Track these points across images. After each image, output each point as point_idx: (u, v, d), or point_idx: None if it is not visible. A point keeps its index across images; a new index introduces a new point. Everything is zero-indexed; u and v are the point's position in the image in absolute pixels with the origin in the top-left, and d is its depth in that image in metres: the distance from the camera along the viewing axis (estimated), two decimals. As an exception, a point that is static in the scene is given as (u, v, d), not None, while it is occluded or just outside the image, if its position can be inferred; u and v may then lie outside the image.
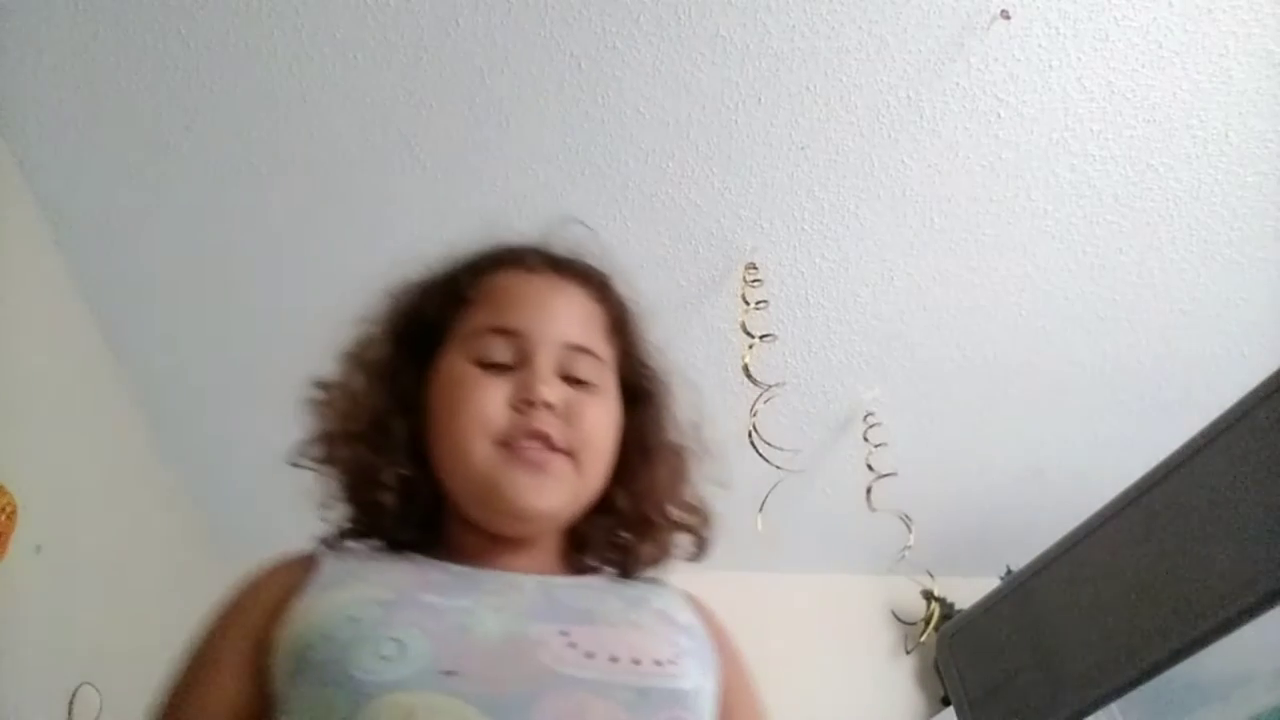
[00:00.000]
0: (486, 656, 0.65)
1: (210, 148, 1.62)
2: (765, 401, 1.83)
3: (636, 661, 0.68)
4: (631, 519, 0.84)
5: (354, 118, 1.60)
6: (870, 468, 2.08)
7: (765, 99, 1.64)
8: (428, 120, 1.62)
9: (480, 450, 0.76)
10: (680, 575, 0.86)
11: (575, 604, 0.74)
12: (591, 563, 0.86)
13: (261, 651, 0.69)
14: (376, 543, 0.81)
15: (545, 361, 0.79)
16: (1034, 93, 1.66)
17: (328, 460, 0.82)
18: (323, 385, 0.85)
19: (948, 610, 2.47)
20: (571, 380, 0.80)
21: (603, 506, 0.83)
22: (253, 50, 1.51)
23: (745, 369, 1.83)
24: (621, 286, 0.90)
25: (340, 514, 0.82)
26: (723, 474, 0.90)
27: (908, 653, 2.59)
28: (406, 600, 0.69)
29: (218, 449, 2.14)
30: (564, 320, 0.82)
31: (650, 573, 0.86)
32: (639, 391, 0.88)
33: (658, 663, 0.69)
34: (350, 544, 0.81)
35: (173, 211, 1.71)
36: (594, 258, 0.91)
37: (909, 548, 2.10)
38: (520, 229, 0.91)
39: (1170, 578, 0.92)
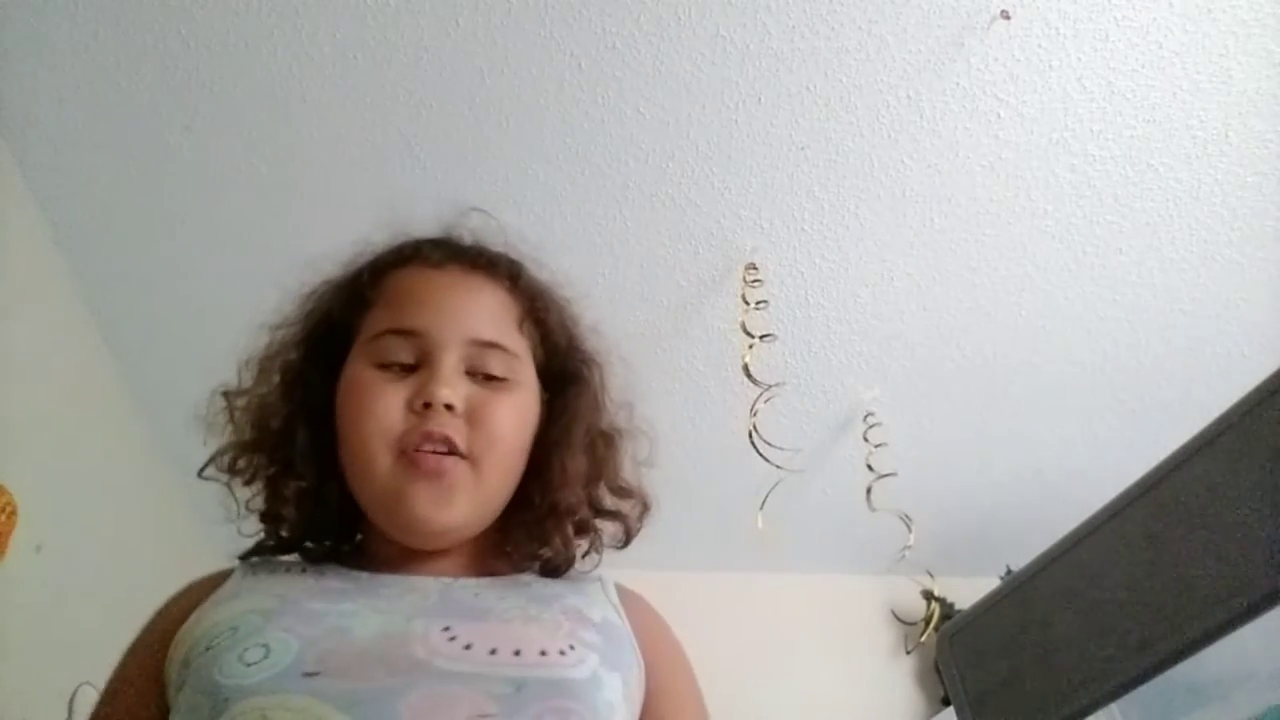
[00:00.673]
0: (356, 655, 0.63)
1: (210, 148, 1.63)
2: (765, 401, 1.83)
3: (517, 653, 0.65)
4: (541, 510, 0.81)
5: (354, 118, 1.61)
6: (870, 468, 2.08)
7: (765, 99, 1.64)
8: (428, 120, 1.62)
9: (382, 464, 0.74)
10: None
11: (472, 602, 0.72)
12: (521, 560, 0.83)
13: (163, 665, 0.70)
14: (293, 556, 0.80)
15: (447, 361, 0.76)
16: (1034, 93, 1.66)
17: (230, 472, 0.81)
18: (226, 394, 0.83)
19: (948, 610, 2.47)
20: (482, 377, 0.78)
21: (521, 500, 0.81)
22: (253, 50, 1.51)
23: (745, 369, 1.83)
24: (536, 272, 0.87)
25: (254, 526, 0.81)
26: (653, 455, 0.87)
27: (908, 653, 2.59)
28: (289, 608, 0.68)
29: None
30: (469, 315, 0.79)
31: (581, 564, 0.83)
32: (565, 377, 0.85)
33: (542, 653, 0.66)
34: (269, 559, 0.80)
35: (173, 211, 1.71)
36: (503, 246, 0.87)
37: (909, 547, 2.10)
38: (426, 221, 0.88)
39: (1170, 577, 0.92)
